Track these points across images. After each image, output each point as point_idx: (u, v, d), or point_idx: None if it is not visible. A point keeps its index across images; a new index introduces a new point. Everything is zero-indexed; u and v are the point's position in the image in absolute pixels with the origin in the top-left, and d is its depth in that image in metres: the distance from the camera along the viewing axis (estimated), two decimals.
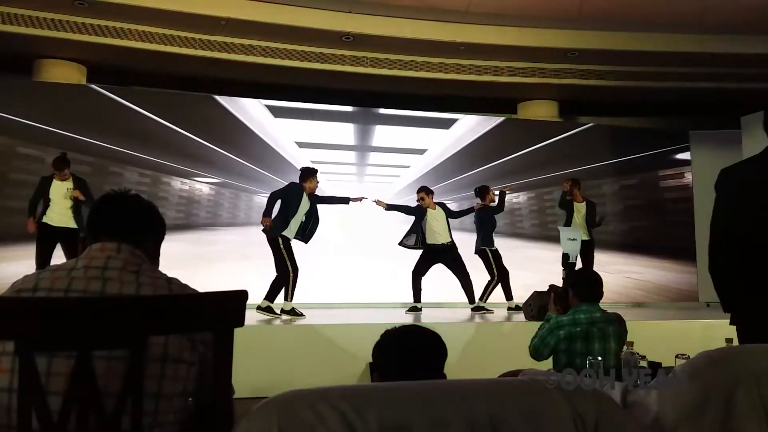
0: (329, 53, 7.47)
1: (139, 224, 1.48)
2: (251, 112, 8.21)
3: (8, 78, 7.35)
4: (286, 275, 5.72)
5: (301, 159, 8.11)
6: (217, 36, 7.05)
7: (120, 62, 7.46)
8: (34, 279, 1.33)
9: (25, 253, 6.07)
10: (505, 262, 6.91)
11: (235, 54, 7.25)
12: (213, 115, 7.93)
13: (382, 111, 8.75)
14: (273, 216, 5.80)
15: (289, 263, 5.73)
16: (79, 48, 7.02)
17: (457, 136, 8.97)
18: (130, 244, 1.41)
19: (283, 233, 5.74)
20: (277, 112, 8.35)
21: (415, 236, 6.61)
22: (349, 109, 8.61)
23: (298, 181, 5.99)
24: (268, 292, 5.74)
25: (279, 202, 5.89)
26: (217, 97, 7.99)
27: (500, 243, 7.06)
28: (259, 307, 5.65)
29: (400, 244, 6.67)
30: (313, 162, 8.19)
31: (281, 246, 5.73)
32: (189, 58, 7.20)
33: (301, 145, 8.57)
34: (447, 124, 9.02)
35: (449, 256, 6.62)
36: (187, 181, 8.00)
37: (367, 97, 8.42)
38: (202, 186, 8.08)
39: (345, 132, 8.85)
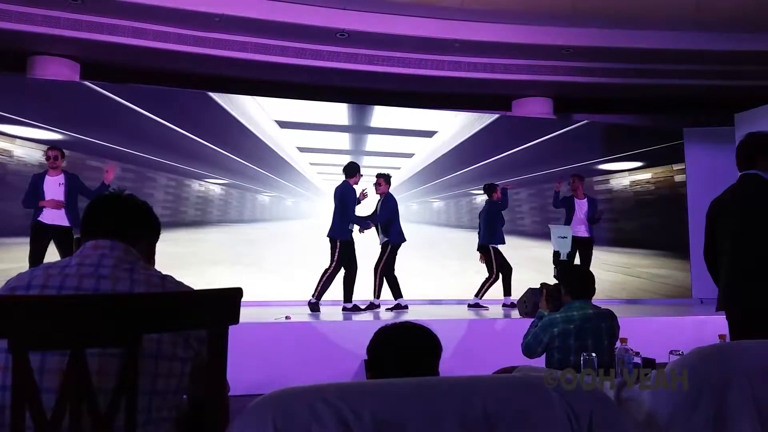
0: (324, 50, 7.46)
1: (133, 223, 1.48)
2: (246, 108, 8.17)
3: (2, 75, 7.30)
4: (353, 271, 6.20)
5: (298, 158, 8.07)
6: (211, 32, 7.02)
7: (113, 59, 7.42)
8: (28, 277, 1.32)
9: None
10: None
11: (229, 50, 7.22)
12: (207, 111, 7.90)
13: (375, 114, 8.72)
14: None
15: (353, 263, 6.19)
16: (72, 45, 6.98)
17: (452, 133, 8.96)
18: (124, 243, 1.40)
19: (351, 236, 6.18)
20: (270, 106, 8.33)
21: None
22: (344, 106, 8.59)
23: (344, 178, 6.27)
24: (345, 295, 6.15)
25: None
26: (211, 94, 7.95)
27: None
28: (344, 308, 6.09)
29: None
30: (300, 148, 8.15)
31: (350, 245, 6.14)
32: (182, 54, 7.17)
33: (289, 129, 8.52)
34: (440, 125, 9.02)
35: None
36: (174, 177, 7.95)
37: (362, 94, 8.40)
38: (191, 182, 8.04)
39: (340, 135, 8.83)
